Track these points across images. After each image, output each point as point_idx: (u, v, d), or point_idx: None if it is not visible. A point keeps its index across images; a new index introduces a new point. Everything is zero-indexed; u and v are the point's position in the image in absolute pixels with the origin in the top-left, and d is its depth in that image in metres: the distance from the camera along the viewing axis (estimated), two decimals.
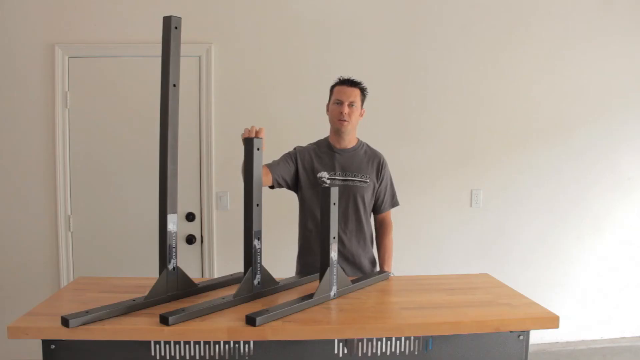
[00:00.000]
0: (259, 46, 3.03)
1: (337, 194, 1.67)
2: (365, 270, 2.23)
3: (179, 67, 1.58)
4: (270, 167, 2.11)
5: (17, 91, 2.90)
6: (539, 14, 3.20)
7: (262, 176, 1.93)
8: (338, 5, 3.07)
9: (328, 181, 2.15)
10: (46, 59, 2.90)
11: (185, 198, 2.96)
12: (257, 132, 1.76)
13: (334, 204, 1.64)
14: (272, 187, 2.14)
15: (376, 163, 2.23)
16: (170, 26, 1.54)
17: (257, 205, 1.67)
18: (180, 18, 1.56)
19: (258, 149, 1.67)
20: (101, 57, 2.94)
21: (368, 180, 2.19)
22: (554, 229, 3.32)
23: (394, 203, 2.33)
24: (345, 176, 2.17)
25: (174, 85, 1.57)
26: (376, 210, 2.29)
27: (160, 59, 1.57)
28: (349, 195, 2.15)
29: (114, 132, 2.97)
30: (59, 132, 2.92)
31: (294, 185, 2.21)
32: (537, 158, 3.27)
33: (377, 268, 2.31)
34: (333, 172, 2.17)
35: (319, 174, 2.16)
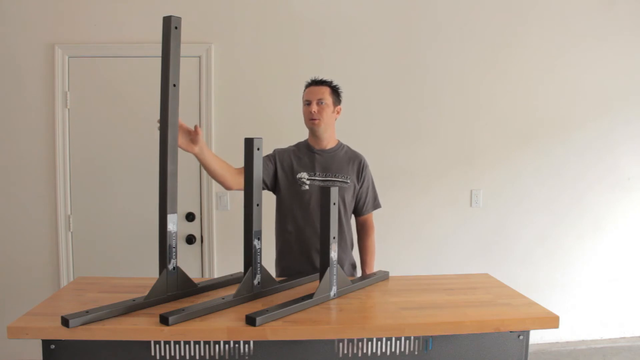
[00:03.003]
0: (258, 46, 3.03)
1: (337, 194, 1.67)
2: (346, 274, 2.19)
3: (179, 67, 1.58)
4: None
5: (17, 91, 2.91)
6: (539, 13, 3.20)
7: (237, 177, 1.91)
8: (337, 6, 3.07)
9: (308, 182, 2.11)
10: (46, 59, 2.90)
11: (185, 198, 2.97)
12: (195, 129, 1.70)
13: (334, 204, 1.64)
14: None
15: (357, 164, 2.18)
16: (170, 26, 1.54)
17: (257, 205, 1.67)
18: (180, 18, 1.56)
19: (258, 149, 1.67)
20: (101, 57, 2.94)
21: (349, 181, 2.14)
22: (554, 229, 3.32)
23: (376, 205, 2.28)
24: (326, 176, 2.12)
25: (174, 85, 1.57)
26: (358, 212, 2.25)
27: (160, 59, 1.56)
28: None
29: (114, 132, 2.97)
30: (59, 132, 2.92)
31: (272, 187, 2.17)
32: (537, 158, 3.27)
33: (359, 272, 2.28)
34: (313, 173, 2.12)
35: (299, 175, 2.12)
